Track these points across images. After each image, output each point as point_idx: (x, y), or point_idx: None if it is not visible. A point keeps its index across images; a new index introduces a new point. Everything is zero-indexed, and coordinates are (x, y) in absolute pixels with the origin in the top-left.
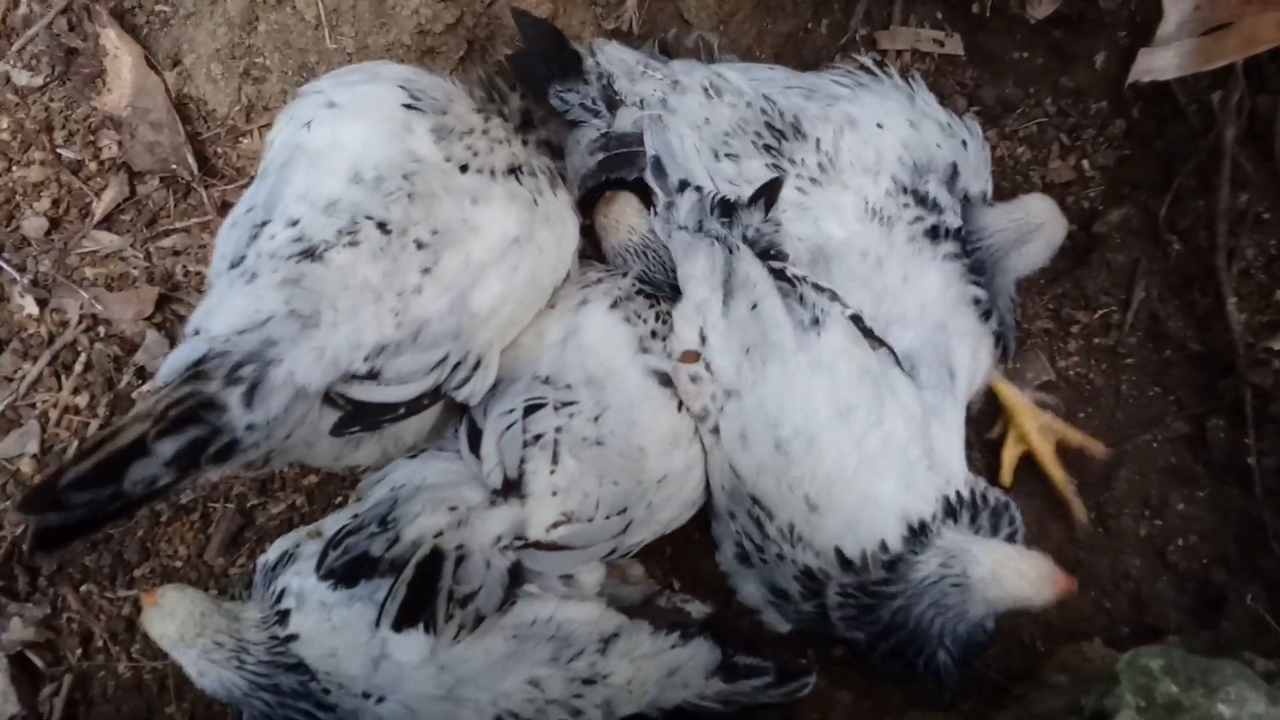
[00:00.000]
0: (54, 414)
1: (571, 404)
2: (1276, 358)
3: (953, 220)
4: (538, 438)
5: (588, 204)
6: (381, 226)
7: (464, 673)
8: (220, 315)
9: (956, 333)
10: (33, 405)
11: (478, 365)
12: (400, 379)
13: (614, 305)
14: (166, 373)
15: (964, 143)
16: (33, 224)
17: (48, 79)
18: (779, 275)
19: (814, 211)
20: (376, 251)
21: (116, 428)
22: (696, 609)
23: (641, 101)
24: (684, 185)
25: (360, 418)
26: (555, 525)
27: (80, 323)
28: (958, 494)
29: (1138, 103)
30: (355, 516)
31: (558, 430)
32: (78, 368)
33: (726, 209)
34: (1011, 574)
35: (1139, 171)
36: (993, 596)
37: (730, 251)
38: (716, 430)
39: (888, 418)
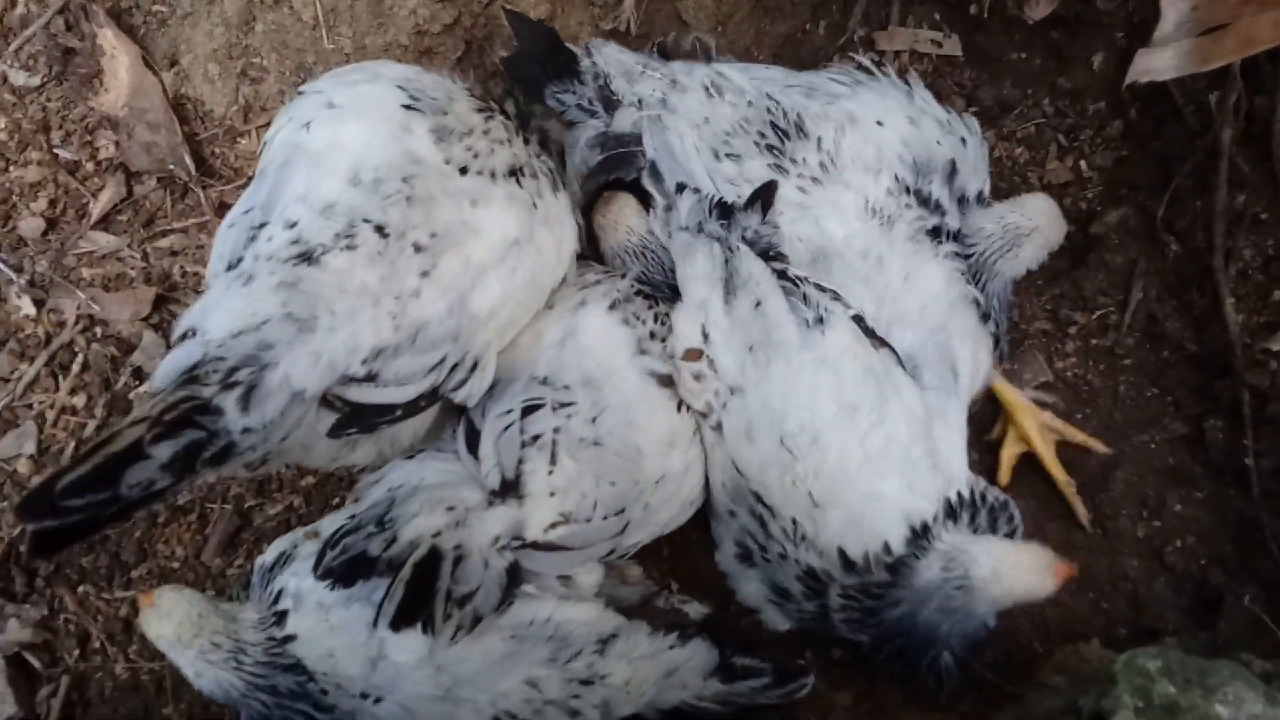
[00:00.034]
0: (51, 414)
1: (569, 405)
2: (1274, 358)
3: (953, 221)
4: (535, 438)
5: (587, 206)
6: (379, 230)
7: (462, 673)
8: (217, 317)
9: (958, 333)
10: (30, 406)
11: (475, 367)
12: (398, 381)
13: (613, 307)
14: (163, 376)
15: (963, 140)
16: (30, 224)
17: (45, 79)
18: (781, 275)
19: (815, 211)
20: (374, 255)
21: (113, 432)
22: (694, 610)
23: (640, 101)
24: (681, 187)
25: (357, 420)
26: (553, 526)
27: (77, 323)
28: (959, 494)
29: (1135, 103)
30: (353, 517)
31: (555, 431)
32: (75, 368)
33: (724, 211)
34: (1012, 570)
35: (1137, 172)
36: (997, 595)
37: (730, 251)
38: (719, 427)
39: (890, 417)
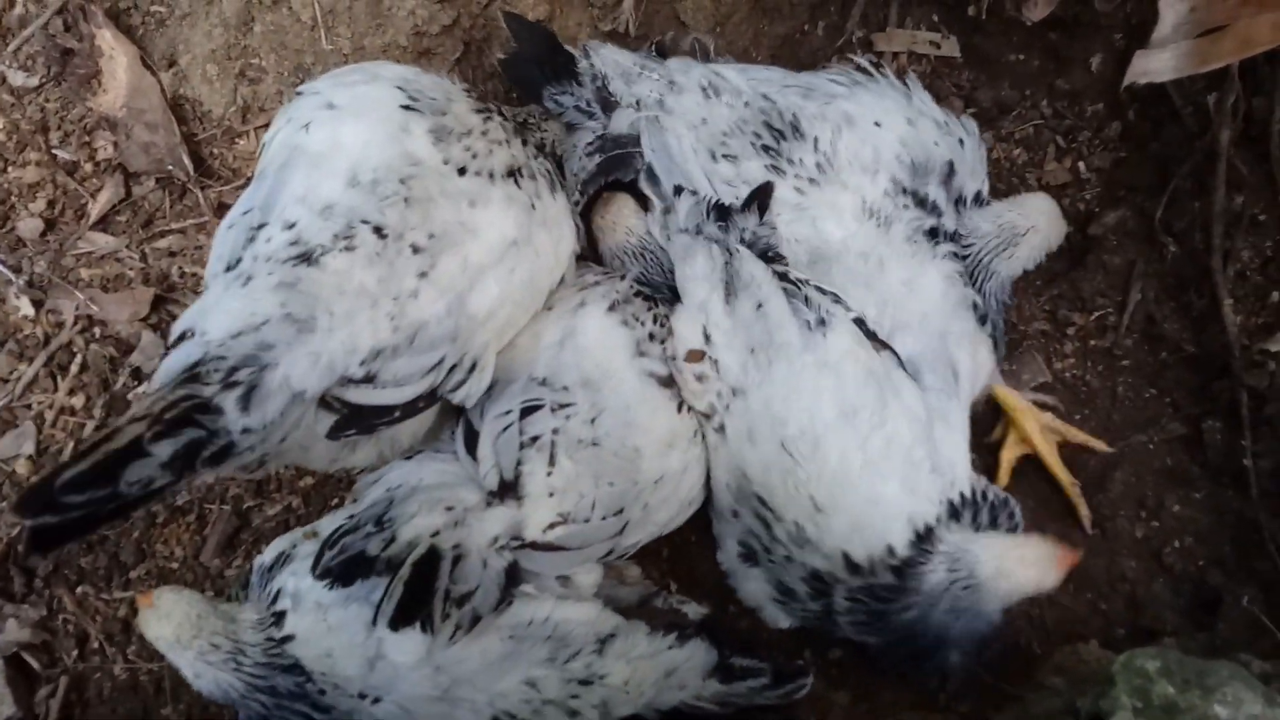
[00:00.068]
0: (50, 415)
1: (568, 406)
2: (1272, 359)
3: (949, 222)
4: (534, 439)
5: (586, 207)
6: (378, 231)
7: (460, 673)
8: (216, 318)
9: (957, 337)
10: (28, 406)
11: (474, 367)
12: (396, 382)
13: (612, 308)
14: (163, 375)
15: (961, 141)
16: (28, 225)
17: (43, 79)
18: (783, 278)
19: (812, 212)
20: (372, 256)
21: (113, 429)
22: (693, 610)
23: (638, 102)
24: (679, 190)
25: (356, 421)
26: (552, 526)
27: (76, 324)
28: (961, 494)
29: (1133, 105)
30: (351, 517)
31: (554, 432)
32: (73, 369)
33: (722, 213)
34: (1016, 565)
35: (1135, 173)
36: (1004, 591)
37: (729, 253)
38: (722, 429)
39: (891, 419)
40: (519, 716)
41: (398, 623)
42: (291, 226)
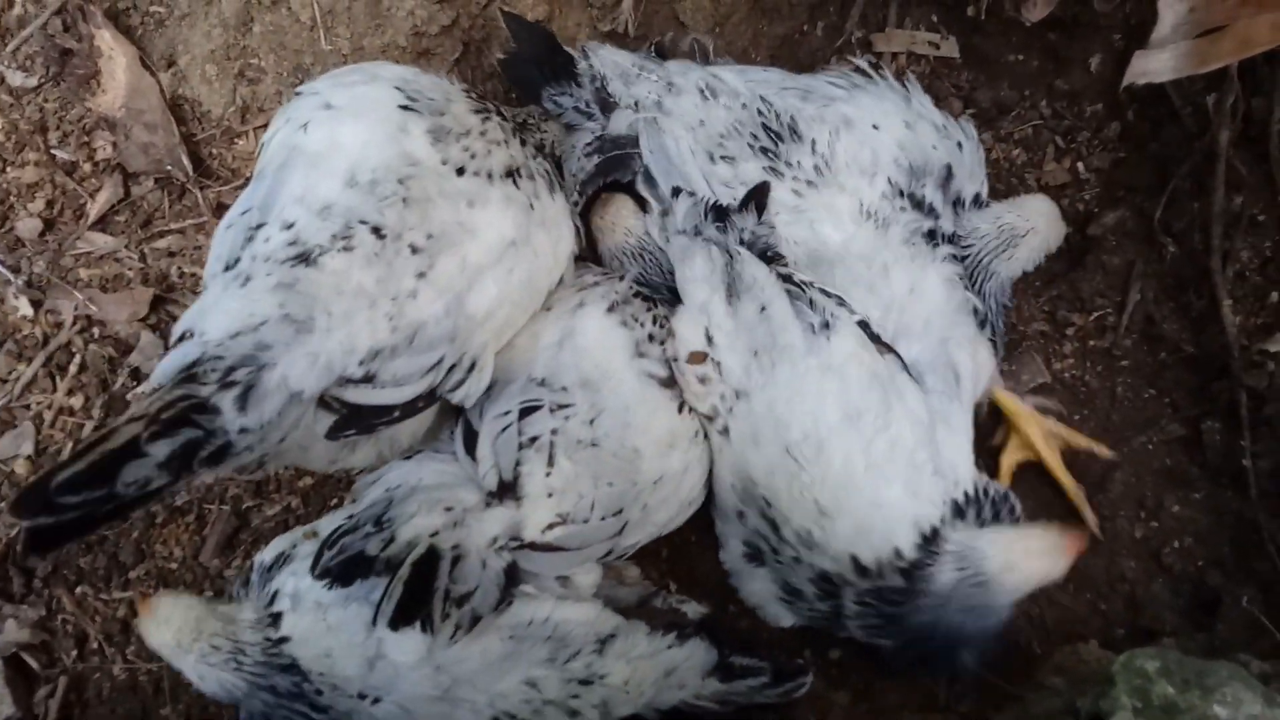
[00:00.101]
0: (49, 415)
1: (567, 406)
2: (1271, 360)
3: (947, 225)
4: (533, 440)
5: (585, 208)
6: (376, 231)
7: (460, 673)
8: (214, 318)
9: (958, 340)
10: (27, 407)
11: (472, 368)
12: (395, 382)
13: (611, 308)
14: (160, 375)
15: (959, 145)
16: (27, 225)
17: (42, 80)
18: (786, 279)
19: (809, 214)
20: (371, 257)
21: (110, 429)
22: (693, 610)
23: (636, 103)
24: (677, 191)
25: (355, 421)
26: (551, 527)
27: (75, 324)
28: (965, 494)
29: (1133, 105)
30: (350, 517)
31: (553, 432)
32: (72, 369)
33: (720, 214)
34: (1023, 556)
35: (1134, 174)
36: (1013, 584)
37: (730, 255)
38: (726, 431)
39: (894, 422)
40: (519, 716)
41: (397, 623)
42: (290, 227)
